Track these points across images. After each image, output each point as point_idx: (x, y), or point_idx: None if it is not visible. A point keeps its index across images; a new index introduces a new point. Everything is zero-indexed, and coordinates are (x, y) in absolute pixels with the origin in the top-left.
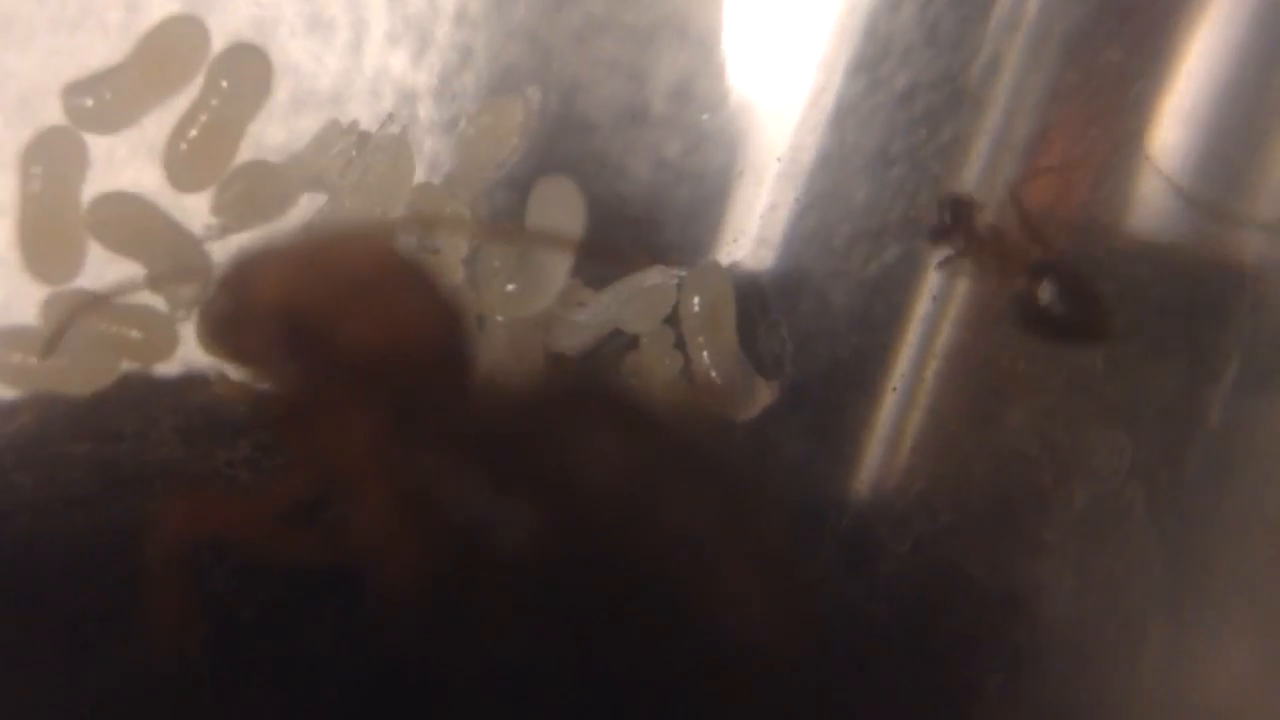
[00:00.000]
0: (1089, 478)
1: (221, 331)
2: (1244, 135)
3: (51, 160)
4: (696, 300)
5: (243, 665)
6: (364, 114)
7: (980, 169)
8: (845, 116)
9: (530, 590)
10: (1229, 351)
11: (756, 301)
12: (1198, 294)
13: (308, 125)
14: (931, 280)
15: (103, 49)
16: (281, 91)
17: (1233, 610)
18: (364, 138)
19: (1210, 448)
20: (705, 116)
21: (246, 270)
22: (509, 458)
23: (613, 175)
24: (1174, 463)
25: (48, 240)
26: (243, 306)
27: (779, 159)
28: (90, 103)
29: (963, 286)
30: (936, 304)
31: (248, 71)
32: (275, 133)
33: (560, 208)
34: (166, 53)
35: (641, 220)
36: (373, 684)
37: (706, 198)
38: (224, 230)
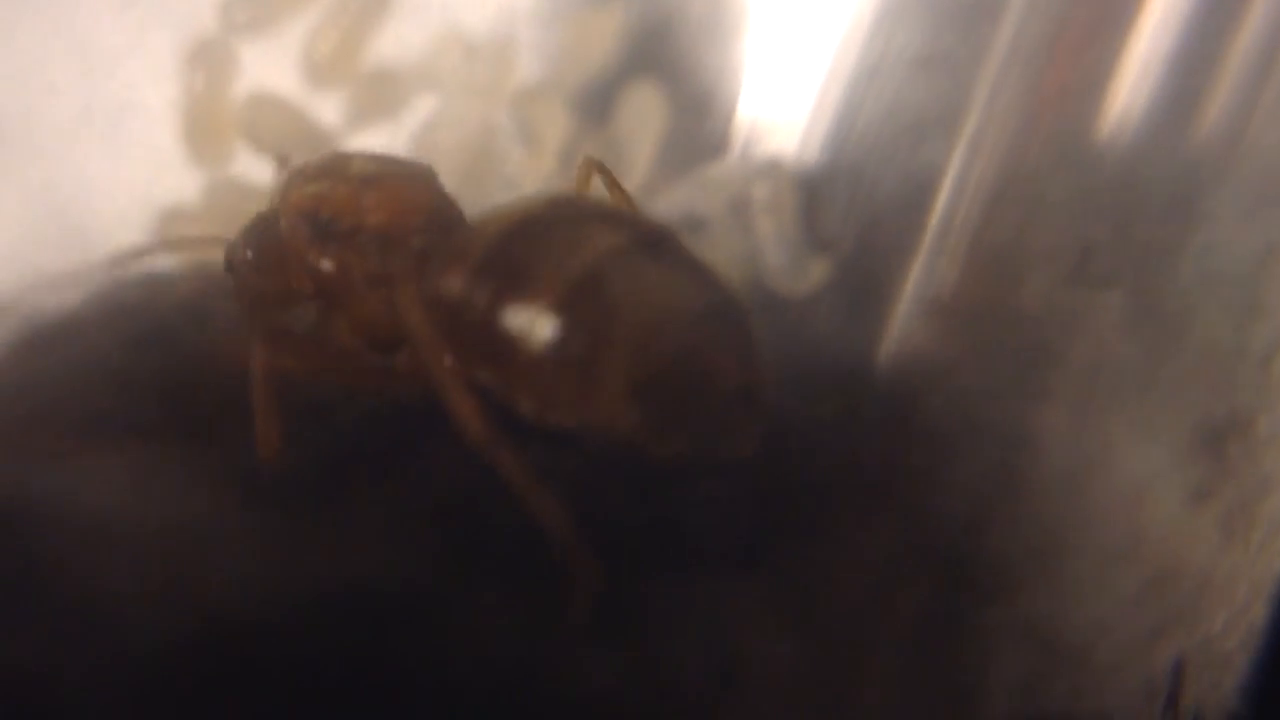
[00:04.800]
0: (1087, 335)
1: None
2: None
3: (209, 65)
4: (761, 188)
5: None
6: (474, 15)
7: (996, 76)
8: (892, 21)
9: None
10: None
11: (810, 189)
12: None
13: (422, 29)
14: (955, 168)
15: None
16: None
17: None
18: (470, 46)
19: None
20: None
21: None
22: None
23: (697, 73)
24: (1157, 314)
25: (208, 134)
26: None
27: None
28: (242, 17)
29: (985, 172)
30: (960, 188)
31: None
32: (393, 35)
33: (645, 109)
34: None
35: (720, 115)
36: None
37: (775, 95)
38: (351, 130)
